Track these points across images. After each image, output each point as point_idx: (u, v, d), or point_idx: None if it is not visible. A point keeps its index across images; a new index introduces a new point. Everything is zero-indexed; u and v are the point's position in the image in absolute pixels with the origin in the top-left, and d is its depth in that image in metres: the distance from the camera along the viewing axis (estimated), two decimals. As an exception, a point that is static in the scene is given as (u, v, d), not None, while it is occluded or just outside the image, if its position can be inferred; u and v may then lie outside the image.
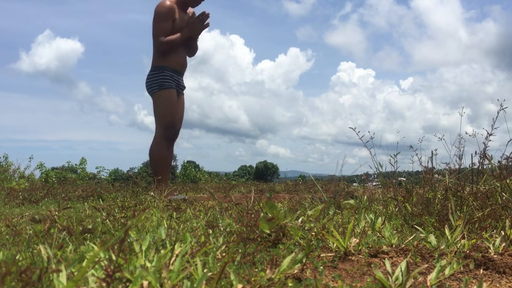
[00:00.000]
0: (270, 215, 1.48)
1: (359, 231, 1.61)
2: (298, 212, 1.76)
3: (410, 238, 1.51)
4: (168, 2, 3.68)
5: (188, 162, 32.28)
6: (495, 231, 1.64)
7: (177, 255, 1.06)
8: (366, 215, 1.94)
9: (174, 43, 3.68)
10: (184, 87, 4.09)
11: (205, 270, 0.97)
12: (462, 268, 1.20)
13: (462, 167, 2.42)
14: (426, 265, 1.20)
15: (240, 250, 1.22)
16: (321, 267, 1.13)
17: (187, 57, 4.10)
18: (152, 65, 3.88)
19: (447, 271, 1.10)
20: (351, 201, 2.33)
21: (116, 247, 0.81)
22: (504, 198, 1.89)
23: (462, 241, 1.45)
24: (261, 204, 1.75)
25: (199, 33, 3.83)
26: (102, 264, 0.97)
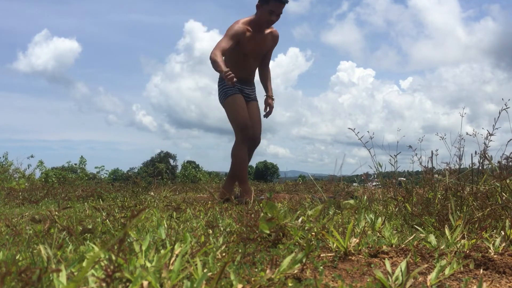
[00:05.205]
0: (270, 215, 1.48)
1: (359, 231, 1.61)
2: (298, 212, 1.76)
3: (410, 238, 1.51)
4: (240, 25, 3.82)
5: (188, 162, 32.21)
6: (495, 231, 1.64)
7: (177, 255, 1.06)
8: (366, 215, 1.94)
9: (215, 65, 3.73)
10: (248, 96, 4.07)
11: (205, 270, 0.97)
12: (462, 268, 1.20)
13: (462, 167, 2.42)
14: (426, 265, 1.20)
15: (240, 250, 1.22)
16: (321, 267, 1.13)
17: (256, 68, 4.13)
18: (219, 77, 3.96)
19: (447, 271, 1.10)
20: (351, 201, 2.33)
21: (116, 247, 0.81)
22: (504, 198, 1.89)
23: (462, 241, 1.45)
24: (261, 204, 1.75)
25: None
26: (102, 264, 0.97)
